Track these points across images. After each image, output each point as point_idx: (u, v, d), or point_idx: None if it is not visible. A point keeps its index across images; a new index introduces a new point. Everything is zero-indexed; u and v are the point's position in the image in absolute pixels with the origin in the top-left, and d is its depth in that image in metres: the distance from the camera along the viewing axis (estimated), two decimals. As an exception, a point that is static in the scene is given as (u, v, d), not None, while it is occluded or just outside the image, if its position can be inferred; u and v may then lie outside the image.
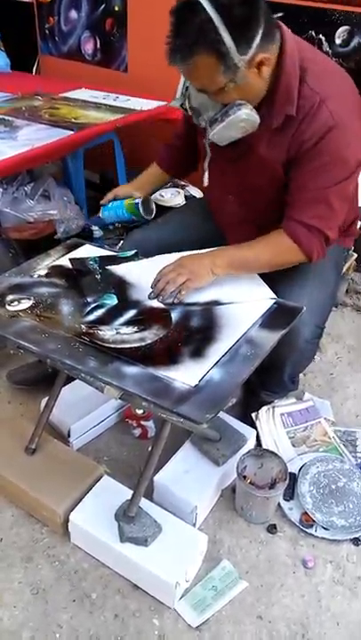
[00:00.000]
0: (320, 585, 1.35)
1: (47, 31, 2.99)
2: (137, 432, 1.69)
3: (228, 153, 1.36)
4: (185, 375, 1.10)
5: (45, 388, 1.59)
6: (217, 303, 1.31)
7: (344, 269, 1.95)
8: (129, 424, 1.70)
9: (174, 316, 1.27)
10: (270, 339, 1.21)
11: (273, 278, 1.38)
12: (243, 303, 1.32)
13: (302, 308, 1.30)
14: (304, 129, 1.24)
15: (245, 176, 1.40)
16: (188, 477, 1.45)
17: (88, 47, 2.86)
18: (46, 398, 1.53)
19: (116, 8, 2.65)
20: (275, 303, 1.32)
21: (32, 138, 2.03)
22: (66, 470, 1.46)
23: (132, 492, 1.32)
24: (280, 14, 1.26)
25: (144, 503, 1.34)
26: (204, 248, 1.41)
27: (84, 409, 1.64)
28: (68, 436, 1.61)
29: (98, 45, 2.82)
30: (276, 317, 1.29)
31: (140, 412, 1.64)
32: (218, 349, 1.17)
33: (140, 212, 1.60)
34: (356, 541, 1.43)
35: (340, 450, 1.65)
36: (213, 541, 1.42)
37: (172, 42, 1.15)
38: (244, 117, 1.23)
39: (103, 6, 2.69)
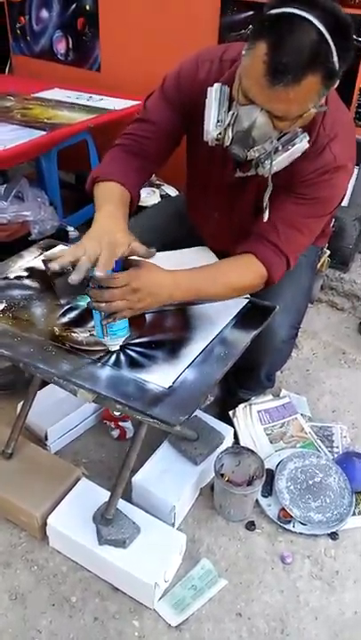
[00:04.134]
0: (298, 580, 1.36)
1: (19, 31, 2.95)
2: (115, 433, 1.69)
3: (230, 176, 1.31)
4: (159, 377, 1.10)
5: (23, 392, 1.57)
6: (191, 303, 1.31)
7: (318, 266, 1.97)
8: (107, 425, 1.70)
9: (148, 317, 1.27)
10: (244, 338, 1.22)
11: None
12: (216, 303, 1.32)
13: (275, 307, 1.31)
14: (307, 165, 1.22)
15: (239, 200, 1.36)
16: (167, 477, 1.45)
17: (60, 47, 2.84)
18: (22, 402, 1.52)
19: (87, 7, 2.63)
20: (248, 302, 1.33)
21: (4, 138, 2.02)
22: (43, 474, 1.45)
23: (110, 493, 1.32)
24: None
25: (122, 505, 1.34)
26: (176, 249, 1.41)
27: (61, 411, 1.63)
28: (45, 439, 1.60)
29: (70, 45, 2.80)
30: (250, 317, 1.29)
31: (117, 413, 1.64)
32: (192, 350, 1.17)
33: None
34: (333, 536, 1.45)
35: (317, 445, 1.67)
36: (193, 540, 1.42)
37: (276, 60, 0.98)
38: (306, 146, 1.16)
39: (74, 5, 2.67)
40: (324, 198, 1.26)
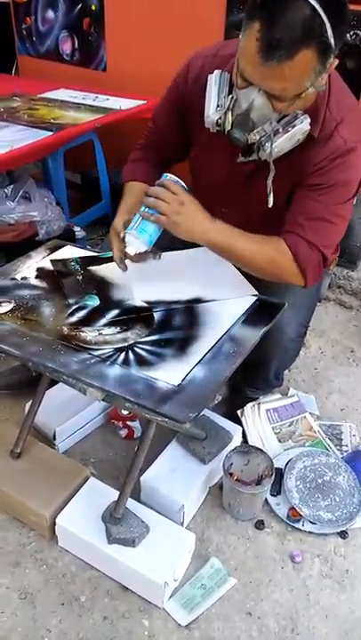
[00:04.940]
0: (308, 579, 1.36)
1: (24, 31, 2.96)
2: (123, 433, 1.69)
3: (242, 169, 1.32)
4: (168, 374, 1.10)
5: (30, 391, 1.58)
6: (199, 301, 1.31)
7: (326, 265, 1.96)
8: (115, 425, 1.70)
9: (157, 315, 1.27)
10: (253, 336, 1.22)
11: (256, 278, 1.38)
12: (225, 301, 1.32)
13: (284, 304, 1.30)
14: (317, 152, 1.22)
15: (251, 193, 1.35)
16: (175, 476, 1.45)
17: (66, 47, 2.84)
18: (30, 401, 1.52)
19: (93, 7, 2.63)
20: (257, 300, 1.32)
21: (11, 139, 2.02)
22: (52, 473, 1.45)
23: (118, 493, 1.32)
24: None
25: (131, 504, 1.34)
26: (186, 248, 1.41)
27: (70, 411, 1.63)
28: (54, 438, 1.60)
29: (76, 45, 2.80)
30: (259, 314, 1.29)
31: (125, 412, 1.64)
32: (200, 348, 1.17)
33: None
34: (343, 534, 1.44)
35: (326, 444, 1.66)
36: (202, 539, 1.42)
37: (269, 36, 0.99)
38: (307, 128, 1.16)
39: (80, 6, 2.67)
40: (343, 182, 1.25)
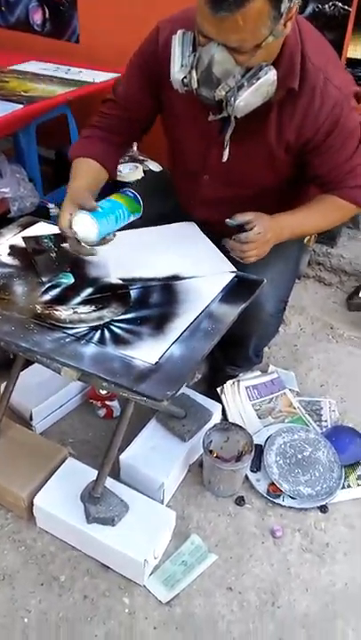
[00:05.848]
0: (289, 553, 1.37)
1: (-8, 1, 2.85)
2: (102, 412, 1.67)
3: (220, 132, 1.28)
4: (145, 353, 1.08)
5: (5, 372, 1.54)
6: (177, 278, 1.29)
7: (305, 241, 1.95)
8: (93, 405, 1.68)
9: (133, 293, 1.24)
10: (231, 313, 1.20)
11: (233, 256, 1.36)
12: (203, 278, 1.29)
13: (263, 281, 1.29)
14: (316, 112, 1.21)
15: (235, 157, 1.30)
16: (155, 455, 1.44)
17: (37, 17, 2.74)
18: (5, 383, 1.49)
19: (64, -25, 2.54)
20: (235, 277, 1.30)
21: (-20, 113, 1.95)
22: (29, 454, 1.43)
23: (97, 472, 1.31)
24: None
25: (110, 483, 1.33)
26: (164, 224, 1.38)
27: (46, 391, 1.61)
28: (30, 419, 1.58)
29: (47, 15, 2.70)
30: (237, 291, 1.27)
31: (103, 392, 1.62)
32: (178, 325, 1.15)
33: (139, 205, 1.25)
34: (323, 509, 1.45)
35: (306, 420, 1.66)
36: (182, 517, 1.42)
37: None
38: (274, 79, 1.13)
39: (51, -27, 2.58)
40: (353, 129, 1.27)
